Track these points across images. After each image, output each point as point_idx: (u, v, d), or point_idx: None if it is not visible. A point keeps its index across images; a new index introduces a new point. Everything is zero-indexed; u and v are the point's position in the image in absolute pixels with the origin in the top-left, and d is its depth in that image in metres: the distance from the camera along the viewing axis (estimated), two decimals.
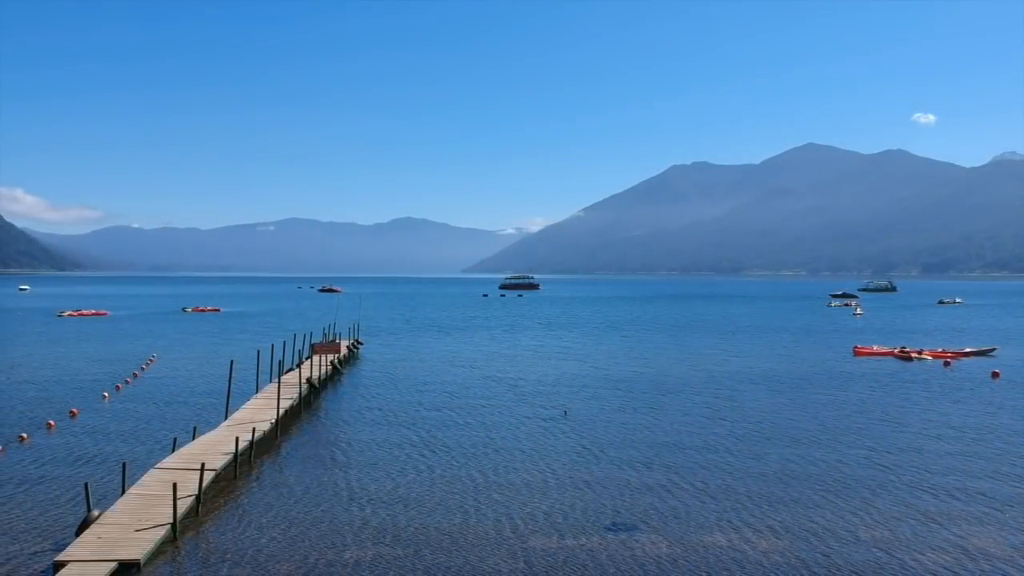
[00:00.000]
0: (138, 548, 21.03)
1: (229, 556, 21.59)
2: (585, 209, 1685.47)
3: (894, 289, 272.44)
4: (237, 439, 30.31)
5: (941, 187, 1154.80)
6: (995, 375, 57.04)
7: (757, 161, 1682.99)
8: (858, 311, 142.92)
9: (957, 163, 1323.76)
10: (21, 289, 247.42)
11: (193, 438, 32.48)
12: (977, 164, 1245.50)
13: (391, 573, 20.57)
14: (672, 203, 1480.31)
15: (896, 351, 71.24)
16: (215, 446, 30.90)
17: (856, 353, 72.46)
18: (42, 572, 20.24)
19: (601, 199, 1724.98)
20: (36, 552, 21.73)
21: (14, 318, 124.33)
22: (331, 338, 67.55)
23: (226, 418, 37.14)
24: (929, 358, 67.46)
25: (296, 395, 42.74)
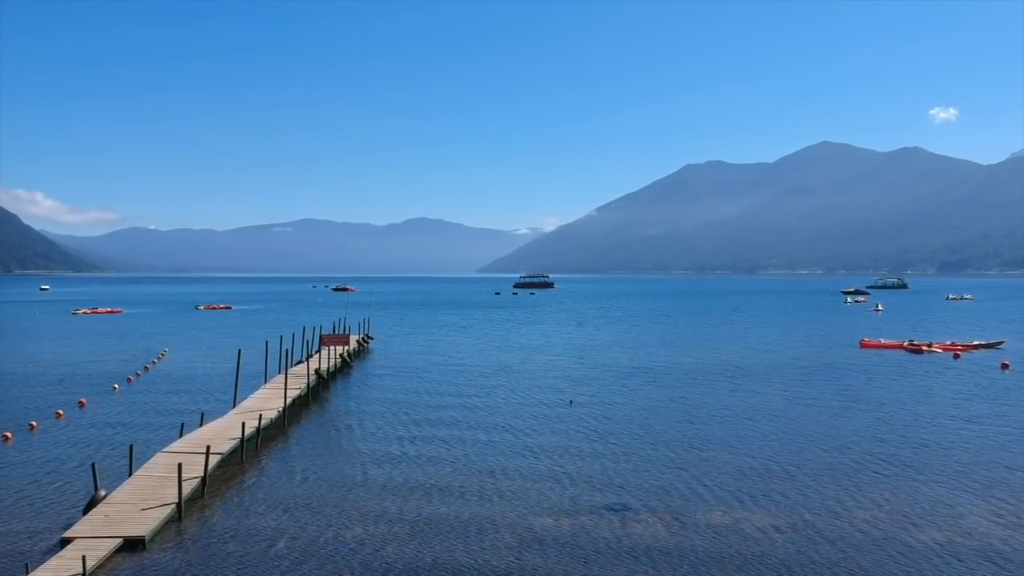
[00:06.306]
0: (143, 526, 21.45)
1: (233, 535, 21.94)
2: (599, 209, 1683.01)
3: (905, 286, 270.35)
4: (244, 424, 30.74)
5: (958, 185, 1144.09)
6: (1005, 366, 56.97)
7: (772, 160, 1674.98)
8: (879, 307, 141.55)
9: (974, 160, 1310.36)
10: (43, 289, 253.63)
11: (200, 424, 33.00)
12: (995, 161, 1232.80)
13: (394, 553, 20.82)
14: (687, 202, 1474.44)
15: (905, 344, 71.02)
16: (222, 431, 31.37)
17: (862, 346, 72.26)
18: (50, 548, 20.65)
19: (615, 199, 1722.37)
20: (44, 529, 22.18)
21: (29, 315, 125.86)
22: (341, 332, 67.88)
23: (234, 407, 37.61)
24: (939, 351, 67.23)
25: (304, 385, 43.14)
